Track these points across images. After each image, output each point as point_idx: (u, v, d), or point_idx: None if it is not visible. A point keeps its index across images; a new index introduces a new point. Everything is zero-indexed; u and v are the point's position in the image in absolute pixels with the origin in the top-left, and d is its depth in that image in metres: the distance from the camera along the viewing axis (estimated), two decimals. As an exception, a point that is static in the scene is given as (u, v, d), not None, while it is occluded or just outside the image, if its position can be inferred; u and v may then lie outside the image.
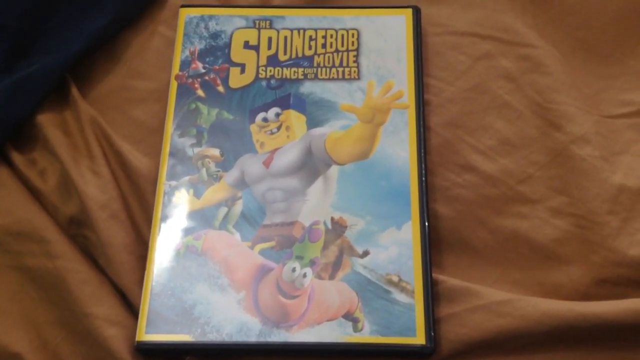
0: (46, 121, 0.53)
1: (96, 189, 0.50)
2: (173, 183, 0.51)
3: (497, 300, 0.46)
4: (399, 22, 0.55)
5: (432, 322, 0.46)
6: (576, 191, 0.50)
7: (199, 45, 0.55)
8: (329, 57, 0.54)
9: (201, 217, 0.50)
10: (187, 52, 0.55)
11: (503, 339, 0.45)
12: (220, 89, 0.54)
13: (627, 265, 0.47)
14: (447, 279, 0.48)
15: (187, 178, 0.51)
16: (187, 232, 0.49)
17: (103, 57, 0.56)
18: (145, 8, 0.57)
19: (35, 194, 0.52)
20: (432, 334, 0.45)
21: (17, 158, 0.52)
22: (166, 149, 0.52)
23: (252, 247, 0.48)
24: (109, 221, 0.49)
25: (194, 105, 0.53)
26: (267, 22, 0.56)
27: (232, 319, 0.46)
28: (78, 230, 0.50)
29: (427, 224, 0.49)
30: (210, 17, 0.56)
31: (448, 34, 0.56)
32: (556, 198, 0.50)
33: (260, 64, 0.54)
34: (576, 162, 0.51)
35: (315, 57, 0.54)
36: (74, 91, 0.54)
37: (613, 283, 0.47)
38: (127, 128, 0.54)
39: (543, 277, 0.48)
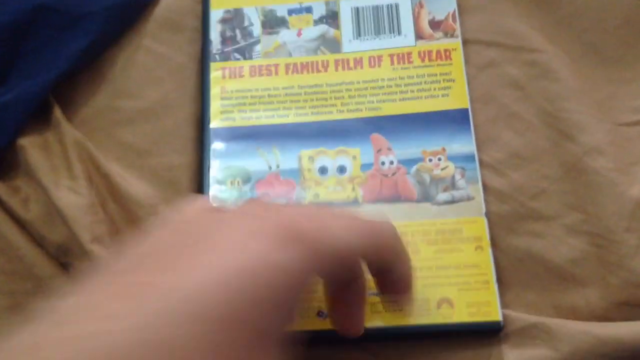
0: (28, 145, 0.50)
1: (79, 211, 0.48)
2: None
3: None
4: None
5: None
6: (591, 207, 0.47)
7: None
8: None
9: None
10: None
11: None
12: None
13: (647, 286, 0.45)
14: None
15: None
16: None
17: (87, 76, 0.53)
18: (129, 25, 0.54)
19: (20, 224, 0.49)
20: None
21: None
22: None
23: None
24: (93, 244, 0.47)
25: None
26: None
27: None
28: (66, 258, 0.48)
29: None
30: None
31: (451, 42, 0.53)
32: (571, 215, 0.48)
33: None
34: (590, 175, 0.48)
35: None
36: (57, 113, 0.51)
37: (632, 305, 0.45)
38: (115, 151, 0.51)
39: (559, 299, 0.46)
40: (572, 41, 0.53)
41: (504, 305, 0.46)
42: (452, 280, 0.46)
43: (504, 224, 0.48)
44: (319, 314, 0.45)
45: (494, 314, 0.45)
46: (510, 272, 0.47)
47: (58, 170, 0.50)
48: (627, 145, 0.50)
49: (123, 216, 0.49)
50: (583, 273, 0.46)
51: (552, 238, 0.47)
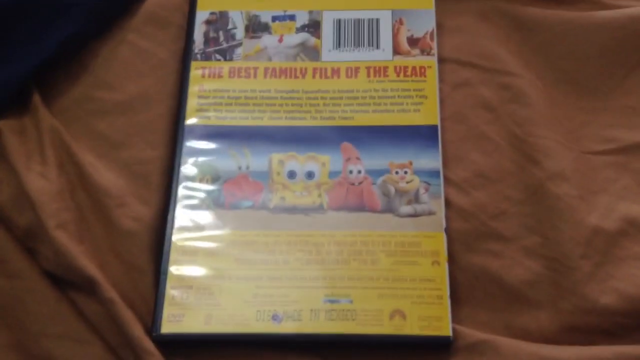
0: (5, 128, 0.51)
1: (46, 197, 0.48)
2: None
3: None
4: None
5: None
6: (550, 231, 0.48)
7: None
8: None
9: None
10: None
11: None
12: None
13: (597, 313, 0.45)
14: None
15: None
16: None
17: (69, 65, 0.54)
18: (116, 19, 0.55)
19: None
20: None
21: (-25, 168, 0.50)
22: None
23: None
24: (58, 230, 0.47)
25: None
26: None
27: None
28: (31, 242, 0.48)
29: None
30: None
31: (428, 59, 0.54)
32: (529, 237, 0.48)
33: None
34: (552, 200, 0.49)
35: None
36: (36, 99, 0.52)
37: (582, 331, 0.46)
38: (90, 141, 0.52)
39: (511, 320, 0.47)
40: (547, 68, 0.54)
41: (457, 321, 0.46)
42: (406, 293, 0.46)
43: (464, 241, 0.48)
44: (274, 317, 0.46)
45: (445, 328, 0.45)
46: (466, 289, 0.48)
47: (31, 155, 0.50)
48: (591, 174, 0.51)
49: (90, 205, 0.49)
50: (536, 295, 0.47)
51: (509, 259, 0.48)
